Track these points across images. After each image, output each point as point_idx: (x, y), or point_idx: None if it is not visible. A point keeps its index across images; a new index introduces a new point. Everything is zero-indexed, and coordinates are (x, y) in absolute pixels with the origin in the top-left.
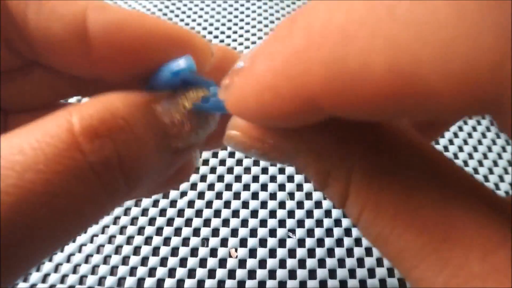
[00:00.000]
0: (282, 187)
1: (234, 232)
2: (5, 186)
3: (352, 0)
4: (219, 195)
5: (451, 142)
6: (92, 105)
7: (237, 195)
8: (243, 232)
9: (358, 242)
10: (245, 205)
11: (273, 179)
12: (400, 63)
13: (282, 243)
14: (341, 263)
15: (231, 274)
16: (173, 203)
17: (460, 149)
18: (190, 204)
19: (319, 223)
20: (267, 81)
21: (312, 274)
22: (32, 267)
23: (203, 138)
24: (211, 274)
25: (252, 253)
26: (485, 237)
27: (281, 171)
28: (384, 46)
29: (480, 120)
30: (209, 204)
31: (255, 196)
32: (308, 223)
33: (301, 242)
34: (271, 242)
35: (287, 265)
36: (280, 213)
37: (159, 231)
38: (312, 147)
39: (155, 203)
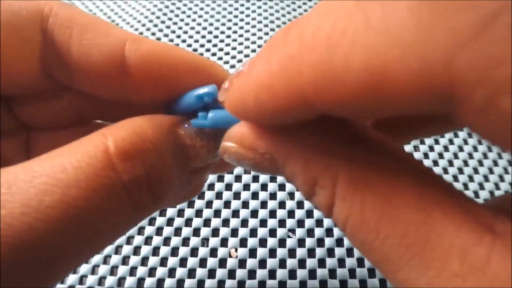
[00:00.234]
0: (282, 187)
1: (234, 232)
2: (51, 201)
3: (338, 12)
4: (219, 195)
5: (451, 142)
6: (123, 128)
7: (237, 195)
8: (243, 232)
9: None
10: (245, 205)
11: (273, 179)
12: (373, 64)
13: (282, 243)
14: (341, 263)
15: (231, 274)
16: None
17: (460, 149)
18: (190, 204)
19: (319, 223)
20: (264, 81)
21: (312, 274)
22: (66, 274)
23: (218, 159)
24: (211, 274)
25: (252, 253)
26: (463, 238)
27: None
28: (361, 50)
29: None
30: (209, 204)
31: (255, 196)
32: (308, 223)
33: (301, 242)
34: (271, 242)
35: (287, 265)
36: (280, 213)
37: (159, 231)
38: (299, 154)
39: None
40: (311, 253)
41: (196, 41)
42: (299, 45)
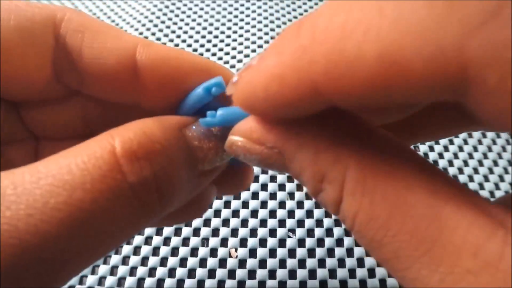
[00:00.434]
0: (282, 187)
1: (234, 232)
2: (56, 203)
3: (351, 3)
4: (219, 195)
5: (451, 141)
6: (131, 129)
7: (237, 195)
8: (243, 232)
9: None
10: (245, 205)
11: (273, 179)
12: (387, 52)
13: (282, 243)
14: (341, 263)
15: (231, 274)
16: None
17: (460, 148)
18: None
19: (319, 223)
20: (276, 72)
21: (312, 274)
22: (72, 277)
23: (226, 161)
24: (211, 274)
25: (252, 253)
26: (475, 233)
27: None
28: (375, 39)
29: None
30: None
31: (255, 196)
32: (308, 223)
33: (301, 242)
34: (271, 242)
35: (287, 265)
36: (280, 213)
37: (159, 231)
38: (309, 148)
39: None
40: (311, 253)
41: (196, 41)
42: (312, 36)
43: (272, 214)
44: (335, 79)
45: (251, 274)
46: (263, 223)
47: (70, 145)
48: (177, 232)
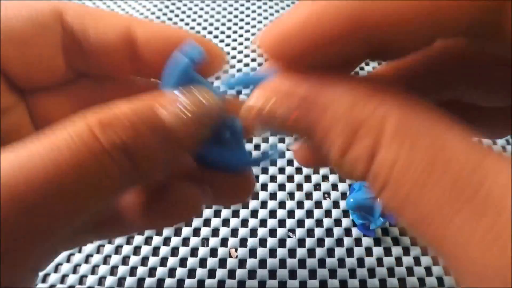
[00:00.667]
0: (282, 187)
1: (234, 232)
2: (49, 159)
3: None
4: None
5: None
6: (103, 110)
7: None
8: (243, 232)
9: (358, 242)
10: (245, 205)
11: (273, 179)
12: None
13: (282, 243)
14: (341, 263)
15: (231, 274)
16: None
17: None
18: None
19: (319, 223)
20: (315, 10)
21: (312, 274)
22: (69, 224)
23: (203, 135)
24: (211, 274)
25: (252, 253)
26: None
27: (281, 171)
28: None
29: None
30: None
31: (255, 196)
32: (308, 223)
33: (301, 242)
34: (271, 242)
35: (287, 265)
36: (280, 213)
37: (159, 231)
38: (348, 94)
39: None
40: (311, 253)
41: None
42: None
43: (272, 214)
44: (379, 10)
45: (251, 274)
46: (263, 223)
47: (60, 94)
48: (177, 232)
